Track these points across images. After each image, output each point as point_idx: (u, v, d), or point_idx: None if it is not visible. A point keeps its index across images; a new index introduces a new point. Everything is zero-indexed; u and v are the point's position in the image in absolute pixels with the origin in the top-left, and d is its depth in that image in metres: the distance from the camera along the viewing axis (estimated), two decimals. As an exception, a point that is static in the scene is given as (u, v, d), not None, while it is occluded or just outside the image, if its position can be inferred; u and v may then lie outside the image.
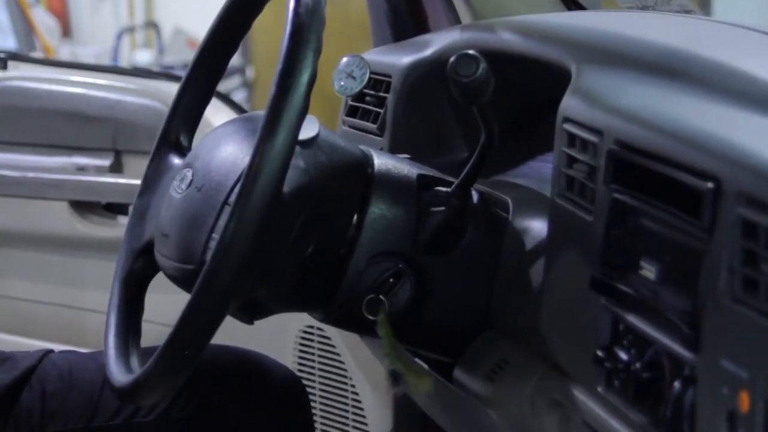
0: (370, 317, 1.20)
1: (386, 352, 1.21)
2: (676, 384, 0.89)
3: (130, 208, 1.37)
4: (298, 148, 1.11)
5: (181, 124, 1.36)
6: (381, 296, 1.19)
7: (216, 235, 1.15)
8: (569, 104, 1.11)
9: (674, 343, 0.90)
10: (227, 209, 1.15)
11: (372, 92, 1.55)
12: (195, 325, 1.07)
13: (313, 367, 1.99)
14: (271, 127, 1.04)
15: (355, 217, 1.21)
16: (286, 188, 1.09)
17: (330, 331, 1.96)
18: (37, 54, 5.15)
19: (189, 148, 1.35)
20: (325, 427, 1.99)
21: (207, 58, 1.33)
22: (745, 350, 0.81)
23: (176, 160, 1.33)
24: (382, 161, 1.24)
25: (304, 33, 1.06)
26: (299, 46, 1.06)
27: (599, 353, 1.00)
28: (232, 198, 1.12)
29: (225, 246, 1.04)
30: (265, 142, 1.04)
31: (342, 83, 1.52)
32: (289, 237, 1.17)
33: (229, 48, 1.33)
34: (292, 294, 1.23)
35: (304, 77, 1.05)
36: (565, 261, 1.09)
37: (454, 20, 1.68)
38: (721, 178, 0.85)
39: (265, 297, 1.22)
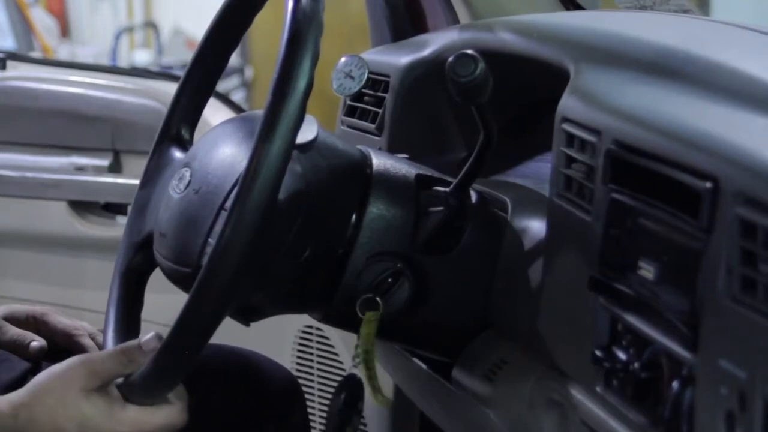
0: (361, 316, 1.19)
1: (358, 353, 1.20)
2: (675, 384, 0.89)
3: (129, 208, 1.37)
4: (295, 152, 1.11)
5: (183, 118, 1.36)
6: (377, 298, 1.19)
7: (212, 240, 1.15)
8: (568, 104, 1.11)
9: (673, 343, 0.90)
10: (223, 214, 1.15)
11: (370, 92, 1.54)
12: (191, 329, 1.07)
13: (311, 367, 1.99)
14: (267, 135, 1.03)
15: (354, 216, 1.20)
16: (282, 193, 1.08)
17: (329, 331, 1.96)
18: (36, 54, 5.16)
19: (191, 142, 1.35)
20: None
21: (208, 52, 1.33)
22: (744, 350, 0.81)
23: (178, 154, 1.33)
24: (380, 161, 1.24)
25: (302, 39, 1.05)
26: (297, 52, 1.05)
27: (598, 353, 1.00)
28: (229, 203, 1.12)
29: (221, 253, 1.03)
30: (261, 149, 1.03)
31: (340, 83, 1.52)
32: (285, 241, 1.16)
33: (229, 44, 1.33)
34: (288, 296, 1.22)
35: (301, 84, 1.04)
36: (563, 261, 1.09)
37: (453, 20, 1.68)
38: (720, 178, 0.85)
39: (261, 300, 1.22)
